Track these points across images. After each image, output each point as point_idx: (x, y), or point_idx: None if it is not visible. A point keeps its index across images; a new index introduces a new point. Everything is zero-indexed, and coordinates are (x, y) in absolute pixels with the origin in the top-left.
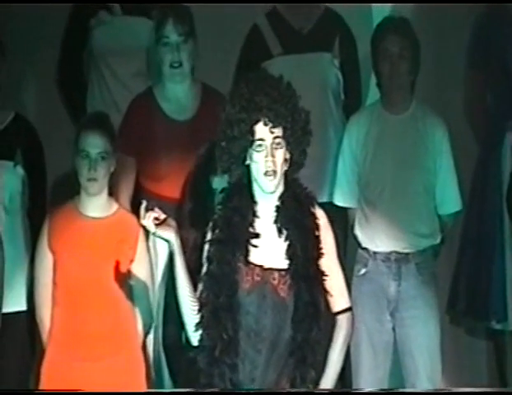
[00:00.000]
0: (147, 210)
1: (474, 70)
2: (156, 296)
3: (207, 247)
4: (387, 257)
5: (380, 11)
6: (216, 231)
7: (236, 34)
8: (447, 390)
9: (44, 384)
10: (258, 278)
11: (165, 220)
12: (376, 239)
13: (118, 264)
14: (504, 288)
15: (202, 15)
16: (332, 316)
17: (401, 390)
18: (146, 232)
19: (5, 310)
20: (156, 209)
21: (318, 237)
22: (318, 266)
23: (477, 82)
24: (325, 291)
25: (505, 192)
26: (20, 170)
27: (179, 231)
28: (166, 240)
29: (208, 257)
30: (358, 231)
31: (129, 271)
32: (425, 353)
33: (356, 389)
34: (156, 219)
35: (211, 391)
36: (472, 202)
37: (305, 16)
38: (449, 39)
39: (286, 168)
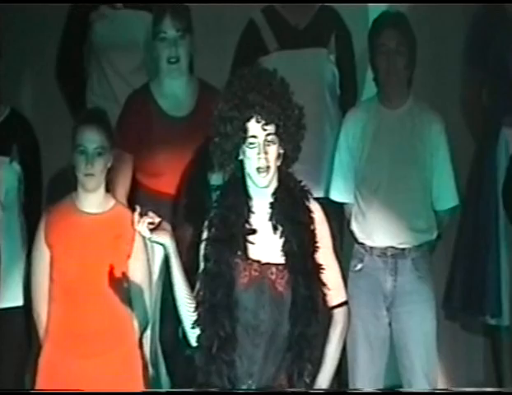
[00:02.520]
0: (141, 215)
1: (471, 66)
2: (153, 293)
3: (203, 245)
4: (383, 252)
5: (377, 7)
6: (213, 230)
7: (232, 30)
8: (445, 390)
9: (41, 380)
10: (256, 273)
11: (159, 223)
12: (372, 234)
13: (114, 260)
14: (499, 283)
15: (199, 11)
16: (329, 310)
17: (400, 390)
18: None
19: (1, 306)
20: (150, 213)
21: (313, 231)
22: (314, 259)
23: (473, 78)
24: (322, 285)
25: (500, 188)
26: (15, 166)
27: (175, 229)
28: (161, 244)
29: (205, 256)
30: (354, 227)
31: (126, 267)
32: (422, 348)
33: (354, 389)
34: (151, 223)
35: (211, 391)
36: (468, 197)
37: (301, 12)
38: (445, 35)
39: (279, 163)
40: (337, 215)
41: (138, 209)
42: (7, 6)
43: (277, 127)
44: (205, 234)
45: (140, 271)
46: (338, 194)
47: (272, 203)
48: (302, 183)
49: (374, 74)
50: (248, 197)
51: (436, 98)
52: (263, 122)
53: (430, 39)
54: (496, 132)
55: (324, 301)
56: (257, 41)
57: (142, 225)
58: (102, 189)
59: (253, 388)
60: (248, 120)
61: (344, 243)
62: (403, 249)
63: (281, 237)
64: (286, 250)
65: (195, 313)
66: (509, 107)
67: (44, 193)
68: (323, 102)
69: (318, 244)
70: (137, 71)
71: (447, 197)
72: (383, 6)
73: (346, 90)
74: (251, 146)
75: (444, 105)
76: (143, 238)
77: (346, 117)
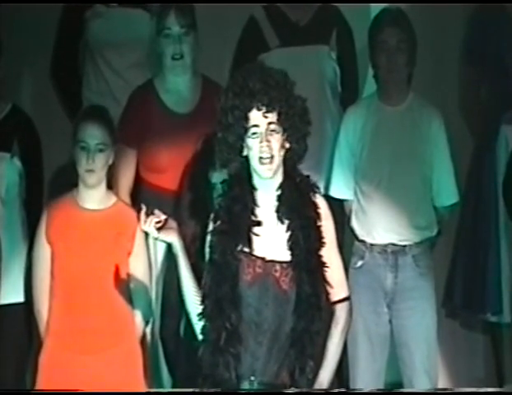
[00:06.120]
0: (147, 215)
1: (470, 63)
2: (154, 289)
3: (209, 237)
4: (384, 249)
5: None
6: (218, 222)
7: (234, 27)
8: (446, 390)
9: (42, 377)
10: (260, 270)
11: (166, 221)
12: (373, 231)
13: (115, 257)
14: (499, 280)
15: (200, 7)
16: (331, 305)
17: (401, 390)
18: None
19: (2, 302)
20: (156, 211)
21: (319, 227)
22: (319, 256)
23: (472, 75)
24: (326, 282)
25: (500, 185)
26: (16, 162)
27: (178, 225)
28: (169, 243)
29: (211, 248)
30: (355, 224)
31: (127, 264)
32: (422, 345)
33: (355, 389)
34: (158, 222)
35: (211, 391)
36: (468, 194)
37: (303, 9)
38: (445, 33)
39: (283, 153)
40: (338, 212)
41: (144, 208)
42: (8, 6)
43: (279, 115)
44: (210, 226)
45: (141, 267)
46: (338, 191)
47: (278, 196)
48: (309, 178)
49: (374, 71)
50: (253, 188)
51: (435, 95)
52: (264, 109)
53: (430, 37)
54: (495, 129)
55: (327, 298)
56: (258, 38)
57: (149, 225)
58: (103, 186)
59: (256, 384)
60: (249, 110)
61: (344, 241)
62: (404, 246)
63: (287, 231)
64: (292, 244)
65: (201, 306)
66: (508, 104)
67: (45, 189)
68: (324, 99)
69: (324, 240)
70: (133, 67)
71: (447, 193)
72: (384, 3)
73: (347, 87)
74: (253, 136)
75: (443, 103)
76: (146, 235)
77: (346, 114)
